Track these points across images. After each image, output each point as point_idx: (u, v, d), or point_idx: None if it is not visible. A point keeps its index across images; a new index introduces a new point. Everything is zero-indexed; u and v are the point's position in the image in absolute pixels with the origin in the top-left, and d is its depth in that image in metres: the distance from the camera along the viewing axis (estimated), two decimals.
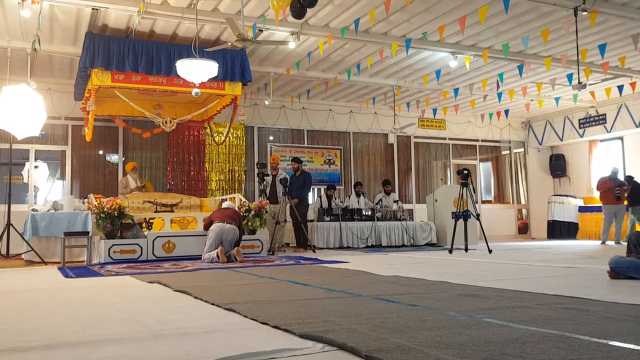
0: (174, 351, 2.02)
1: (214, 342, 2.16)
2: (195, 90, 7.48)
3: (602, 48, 8.13)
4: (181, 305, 3.21)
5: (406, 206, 12.29)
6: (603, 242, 10.59)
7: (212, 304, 3.10)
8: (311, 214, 10.29)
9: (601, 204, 10.99)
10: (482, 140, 14.16)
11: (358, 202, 10.84)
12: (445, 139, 13.71)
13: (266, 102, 11.03)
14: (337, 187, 11.95)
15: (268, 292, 3.68)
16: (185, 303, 3.28)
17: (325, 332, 2.17)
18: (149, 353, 2.01)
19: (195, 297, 3.40)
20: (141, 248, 7.08)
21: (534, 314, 2.57)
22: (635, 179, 10.93)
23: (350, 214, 10.19)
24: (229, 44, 7.05)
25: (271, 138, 12.06)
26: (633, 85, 10.17)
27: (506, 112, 12.35)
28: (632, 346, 1.89)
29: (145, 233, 7.33)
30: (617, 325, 2.28)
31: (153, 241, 7.17)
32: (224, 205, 7.64)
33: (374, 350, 1.88)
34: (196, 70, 6.91)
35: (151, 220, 8.25)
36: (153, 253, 7.13)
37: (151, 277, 4.76)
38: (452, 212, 9.19)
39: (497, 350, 1.86)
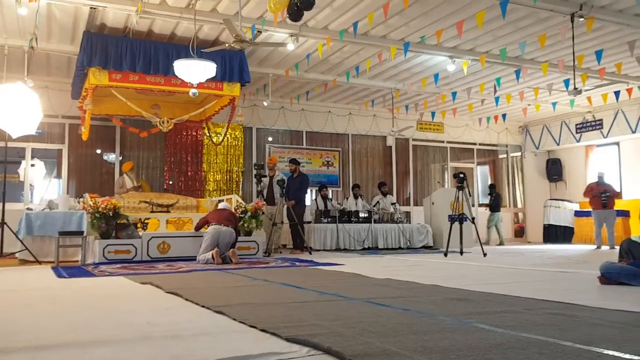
0: (161, 354, 2.03)
1: (202, 345, 2.17)
2: (193, 90, 7.49)
3: (598, 54, 8.15)
4: (171, 307, 3.22)
5: (404, 209, 12.33)
6: (598, 247, 10.62)
7: (203, 306, 3.10)
8: (308, 216, 10.30)
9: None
10: (480, 144, 14.18)
11: (356, 204, 10.86)
12: (443, 142, 13.74)
13: (265, 103, 11.04)
14: (329, 188, 11.90)
15: (260, 294, 3.69)
16: (176, 305, 3.29)
17: (312, 336, 2.18)
18: (137, 355, 2.02)
19: (186, 299, 3.40)
20: (136, 248, 7.07)
21: (521, 319, 2.59)
22: (495, 188, 12.85)
23: (348, 216, 10.20)
24: (227, 45, 7.06)
25: (270, 139, 12.07)
26: (629, 91, 10.21)
27: (504, 116, 12.38)
28: (615, 353, 1.90)
29: (140, 233, 7.32)
30: (602, 331, 2.29)
31: (148, 242, 7.16)
32: (220, 206, 7.62)
33: (359, 354, 1.89)
34: (194, 71, 6.93)
35: (146, 221, 8.24)
36: (148, 254, 7.12)
37: (144, 278, 4.76)
38: (449, 215, 9.21)
39: (480, 355, 1.87)
